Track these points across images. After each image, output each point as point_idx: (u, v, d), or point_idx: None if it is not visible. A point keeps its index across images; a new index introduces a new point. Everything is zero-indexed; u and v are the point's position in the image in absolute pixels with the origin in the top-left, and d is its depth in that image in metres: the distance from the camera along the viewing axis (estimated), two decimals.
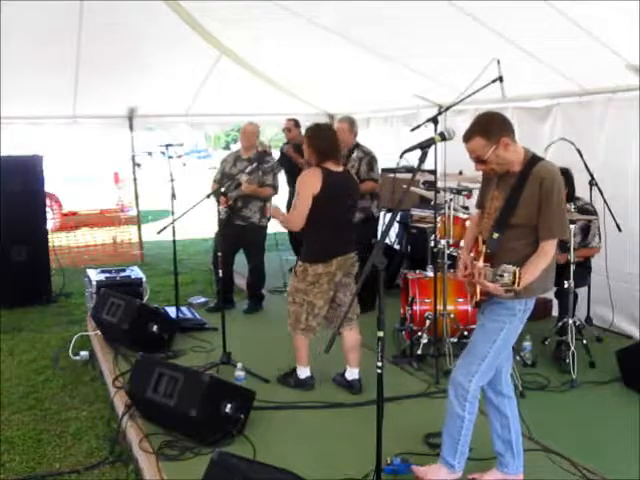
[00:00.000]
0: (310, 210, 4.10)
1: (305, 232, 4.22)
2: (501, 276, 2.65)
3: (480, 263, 2.90)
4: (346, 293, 4.34)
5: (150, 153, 9.64)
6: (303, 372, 4.45)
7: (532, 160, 2.91)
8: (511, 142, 2.87)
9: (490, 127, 2.86)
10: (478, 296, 2.97)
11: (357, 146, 6.12)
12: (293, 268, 4.43)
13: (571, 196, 4.90)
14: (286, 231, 8.09)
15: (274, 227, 7.60)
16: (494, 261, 2.88)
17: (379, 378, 2.56)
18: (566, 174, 4.84)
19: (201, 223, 9.11)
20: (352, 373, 4.40)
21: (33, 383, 4.83)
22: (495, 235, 2.92)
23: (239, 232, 5.99)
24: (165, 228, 5.17)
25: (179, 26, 6.30)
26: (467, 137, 2.89)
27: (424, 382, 4.52)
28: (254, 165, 5.73)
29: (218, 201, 5.04)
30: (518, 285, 2.63)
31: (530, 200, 2.85)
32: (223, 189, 5.36)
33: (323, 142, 4.18)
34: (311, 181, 4.10)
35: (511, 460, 3.18)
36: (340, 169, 4.24)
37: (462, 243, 4.87)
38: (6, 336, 5.91)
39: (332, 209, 4.14)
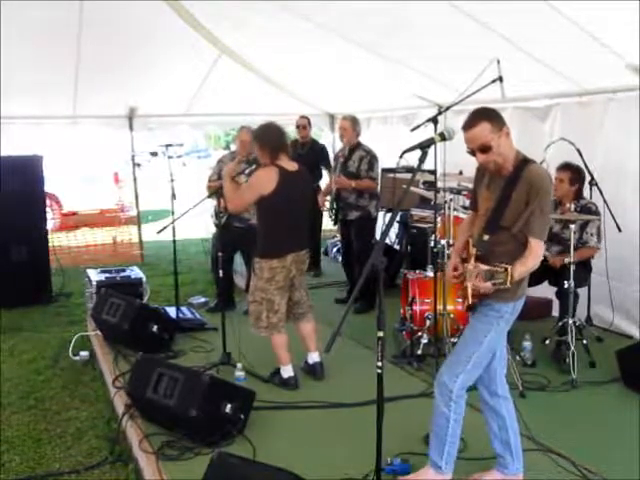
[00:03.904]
0: (263, 207, 4.26)
1: (259, 229, 4.39)
2: (493, 275, 2.66)
3: (471, 265, 2.89)
4: (301, 291, 4.56)
5: (155, 153, 9.63)
6: (286, 371, 4.49)
7: (522, 162, 2.89)
8: (510, 134, 2.87)
9: (494, 114, 2.86)
10: (470, 299, 2.94)
11: (359, 145, 6.15)
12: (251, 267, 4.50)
13: (579, 194, 4.92)
14: None
15: None
16: (484, 263, 2.87)
17: (379, 378, 2.55)
18: (578, 170, 4.87)
19: (201, 223, 9.11)
20: (312, 357, 4.65)
21: (33, 383, 4.83)
22: (485, 237, 2.92)
23: (238, 234, 5.97)
24: (165, 228, 5.18)
25: (179, 26, 6.31)
26: (471, 123, 2.83)
27: (424, 382, 4.51)
28: (253, 167, 5.75)
29: (219, 201, 5.03)
30: (510, 283, 2.65)
31: (518, 203, 2.84)
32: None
33: (272, 138, 4.31)
34: (265, 180, 4.21)
35: (510, 461, 3.17)
36: (295, 167, 4.36)
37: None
38: (6, 336, 5.91)
39: (286, 207, 4.26)
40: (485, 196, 3.02)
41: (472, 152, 2.91)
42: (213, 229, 6.11)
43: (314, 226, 7.97)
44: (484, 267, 2.73)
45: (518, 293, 2.94)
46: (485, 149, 2.85)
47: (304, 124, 7.64)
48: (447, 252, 5.02)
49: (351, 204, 6.15)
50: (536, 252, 2.84)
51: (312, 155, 7.58)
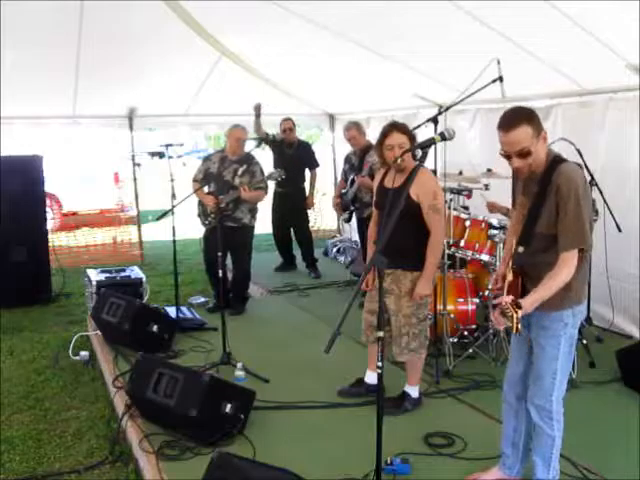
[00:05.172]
0: (421, 218, 3.91)
1: (417, 240, 3.91)
2: (504, 314, 2.57)
3: (509, 277, 2.79)
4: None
5: (155, 153, 9.64)
6: (415, 391, 4.20)
7: (553, 162, 2.71)
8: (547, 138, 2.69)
9: (534, 117, 2.64)
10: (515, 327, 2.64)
11: (371, 146, 6.05)
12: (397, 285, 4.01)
13: None
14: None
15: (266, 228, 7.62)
16: (525, 276, 2.79)
17: (379, 378, 2.56)
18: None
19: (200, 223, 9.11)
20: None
21: (33, 383, 4.83)
22: (520, 249, 2.78)
23: (230, 233, 5.90)
24: (165, 215, 5.32)
25: (179, 26, 6.30)
26: (511, 125, 2.60)
27: (424, 382, 4.50)
28: (244, 167, 5.85)
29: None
30: (518, 314, 2.51)
31: (549, 209, 2.68)
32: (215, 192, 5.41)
33: None
34: None
35: (515, 463, 3.17)
36: None
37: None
38: (6, 336, 5.90)
39: None
40: (520, 202, 2.91)
41: (506, 156, 2.71)
42: (204, 230, 6.17)
43: (303, 229, 7.98)
44: (507, 299, 2.58)
45: (572, 297, 2.78)
46: (524, 154, 2.65)
47: (290, 126, 7.66)
48: (447, 252, 5.03)
49: (367, 203, 6.20)
50: (566, 264, 2.64)
51: (299, 156, 7.64)
